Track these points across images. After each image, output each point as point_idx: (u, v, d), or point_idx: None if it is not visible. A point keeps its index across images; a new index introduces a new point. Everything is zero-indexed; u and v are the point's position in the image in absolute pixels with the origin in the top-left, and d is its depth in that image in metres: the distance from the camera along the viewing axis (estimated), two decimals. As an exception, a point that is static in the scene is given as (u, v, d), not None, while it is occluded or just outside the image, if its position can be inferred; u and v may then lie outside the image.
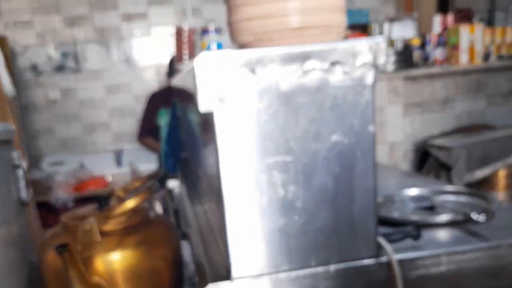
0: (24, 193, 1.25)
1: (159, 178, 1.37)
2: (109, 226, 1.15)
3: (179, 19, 5.01)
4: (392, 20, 4.47)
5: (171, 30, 4.90)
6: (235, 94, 0.89)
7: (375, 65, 0.94)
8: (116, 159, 4.73)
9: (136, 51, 5.02)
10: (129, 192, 1.32)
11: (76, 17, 4.85)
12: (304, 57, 0.90)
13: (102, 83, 4.99)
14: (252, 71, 0.88)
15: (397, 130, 3.48)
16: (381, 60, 0.93)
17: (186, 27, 2.64)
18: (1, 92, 3.99)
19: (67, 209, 3.68)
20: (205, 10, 5.04)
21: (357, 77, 0.94)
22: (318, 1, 0.93)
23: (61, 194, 3.71)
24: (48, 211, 3.62)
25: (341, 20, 0.99)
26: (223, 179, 0.94)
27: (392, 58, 3.39)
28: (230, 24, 1.02)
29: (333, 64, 0.91)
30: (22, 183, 1.23)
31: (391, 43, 3.70)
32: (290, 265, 0.99)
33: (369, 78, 0.95)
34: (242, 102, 0.90)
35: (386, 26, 3.79)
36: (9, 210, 1.20)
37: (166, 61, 4.12)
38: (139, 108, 4.99)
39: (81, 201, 3.79)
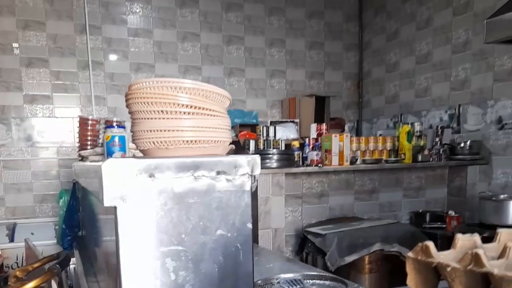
0: None
1: (60, 261, 1.37)
2: (5, 309, 1.14)
3: (83, 105, 5.02)
4: (277, 123, 4.85)
5: (75, 113, 4.89)
6: (135, 194, 0.99)
7: (252, 176, 1.10)
8: (9, 233, 4.42)
9: (38, 131, 4.89)
10: (27, 272, 1.30)
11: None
12: (195, 167, 1.03)
13: (0, 158, 4.77)
14: (151, 176, 1.00)
15: (280, 218, 3.66)
16: (257, 171, 1.09)
17: (90, 116, 2.70)
18: None
19: None
20: (109, 99, 5.11)
21: (238, 184, 1.09)
22: (207, 121, 1.09)
23: None
24: None
25: (227, 136, 1.15)
26: (122, 264, 1.01)
27: (276, 156, 3.65)
28: (134, 132, 1.14)
29: (218, 173, 1.06)
30: None
31: (275, 143, 3.99)
32: None
33: (248, 185, 1.10)
34: (141, 200, 1.00)
35: (271, 127, 4.09)
36: None
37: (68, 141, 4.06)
38: (37, 184, 4.80)
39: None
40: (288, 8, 5.83)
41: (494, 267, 0.79)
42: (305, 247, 3.65)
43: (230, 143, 1.19)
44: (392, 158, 4.12)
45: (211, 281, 1.10)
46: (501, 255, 0.85)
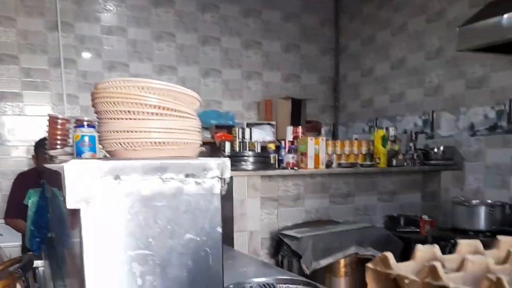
0: None
1: (23, 264, 1.32)
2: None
3: (55, 103, 4.92)
4: (253, 125, 4.83)
5: (45, 112, 4.79)
6: (100, 196, 0.97)
7: (222, 178, 1.08)
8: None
9: (7, 129, 4.78)
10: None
11: None
12: (163, 169, 1.01)
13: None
14: (116, 177, 0.97)
15: (256, 220, 3.64)
16: (227, 174, 1.08)
17: (60, 115, 2.64)
18: None
19: None
20: (81, 97, 5.03)
21: (208, 187, 1.07)
22: (176, 123, 1.06)
23: None
24: None
25: (197, 138, 1.13)
26: (86, 268, 0.98)
27: (252, 159, 3.64)
28: (100, 132, 1.11)
29: (187, 176, 1.04)
30: None
31: (251, 145, 3.98)
32: None
33: (217, 188, 1.08)
34: (107, 203, 0.98)
35: (247, 129, 4.08)
36: None
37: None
38: (6, 183, 4.66)
39: None
40: (264, 10, 5.84)
41: (450, 280, 0.79)
42: (281, 250, 3.65)
43: (201, 145, 1.17)
44: (368, 162, 4.15)
45: (179, 286, 1.08)
46: (459, 267, 0.85)
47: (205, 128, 4.88)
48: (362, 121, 5.80)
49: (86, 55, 5.04)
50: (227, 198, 2.80)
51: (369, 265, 0.94)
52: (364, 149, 4.21)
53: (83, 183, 0.94)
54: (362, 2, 5.77)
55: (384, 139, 4.12)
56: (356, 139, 4.43)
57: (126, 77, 4.46)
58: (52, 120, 2.58)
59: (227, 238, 3.37)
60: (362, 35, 5.78)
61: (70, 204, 0.94)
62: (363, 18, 5.78)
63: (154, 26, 5.31)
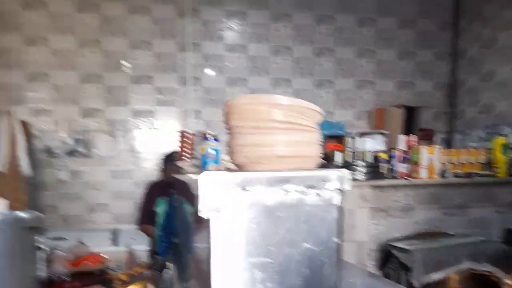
0: (43, 272, 1.31)
1: (158, 266, 1.43)
2: (111, 306, 1.21)
3: (181, 118, 5.24)
4: (364, 134, 4.71)
5: (172, 126, 5.12)
6: (229, 206, 1.02)
7: (341, 190, 1.07)
8: (113, 238, 4.72)
9: (140, 142, 5.17)
10: (130, 276, 1.38)
11: (91, 109, 5.07)
12: (285, 181, 1.04)
13: (108, 168, 5.13)
14: (244, 189, 1.02)
15: (364, 231, 3.54)
16: (347, 186, 1.07)
17: (190, 130, 2.82)
18: (18, 172, 4.10)
19: (62, 282, 3.61)
20: (204, 112, 5.29)
21: (327, 199, 1.07)
22: (299, 136, 1.08)
23: (59, 268, 3.66)
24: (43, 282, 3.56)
25: (317, 151, 1.14)
26: (213, 274, 1.03)
27: (362, 169, 3.55)
28: (229, 146, 1.16)
29: (308, 187, 1.05)
30: (42, 263, 1.30)
31: (362, 155, 3.88)
32: None
33: (336, 200, 1.08)
34: (234, 212, 1.02)
35: (358, 139, 4.00)
36: (24, 286, 1.25)
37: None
38: (138, 192, 5.06)
39: (77, 275, 3.72)
40: (379, 17, 5.68)
41: None
42: (389, 262, 3.49)
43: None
44: (485, 172, 3.83)
45: (296, 293, 1.09)
46: None
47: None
48: (479, 128, 5.38)
49: (209, 72, 5.27)
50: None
51: (509, 281, 0.87)
52: (481, 158, 3.90)
53: (215, 193, 0.99)
54: (483, 3, 5.35)
55: (505, 147, 3.78)
56: (473, 147, 4.12)
57: (246, 92, 4.61)
58: (183, 135, 2.77)
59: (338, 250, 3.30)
60: (482, 38, 5.36)
61: (203, 212, 1.00)
62: (484, 19, 5.36)
63: (273, 41, 5.42)
